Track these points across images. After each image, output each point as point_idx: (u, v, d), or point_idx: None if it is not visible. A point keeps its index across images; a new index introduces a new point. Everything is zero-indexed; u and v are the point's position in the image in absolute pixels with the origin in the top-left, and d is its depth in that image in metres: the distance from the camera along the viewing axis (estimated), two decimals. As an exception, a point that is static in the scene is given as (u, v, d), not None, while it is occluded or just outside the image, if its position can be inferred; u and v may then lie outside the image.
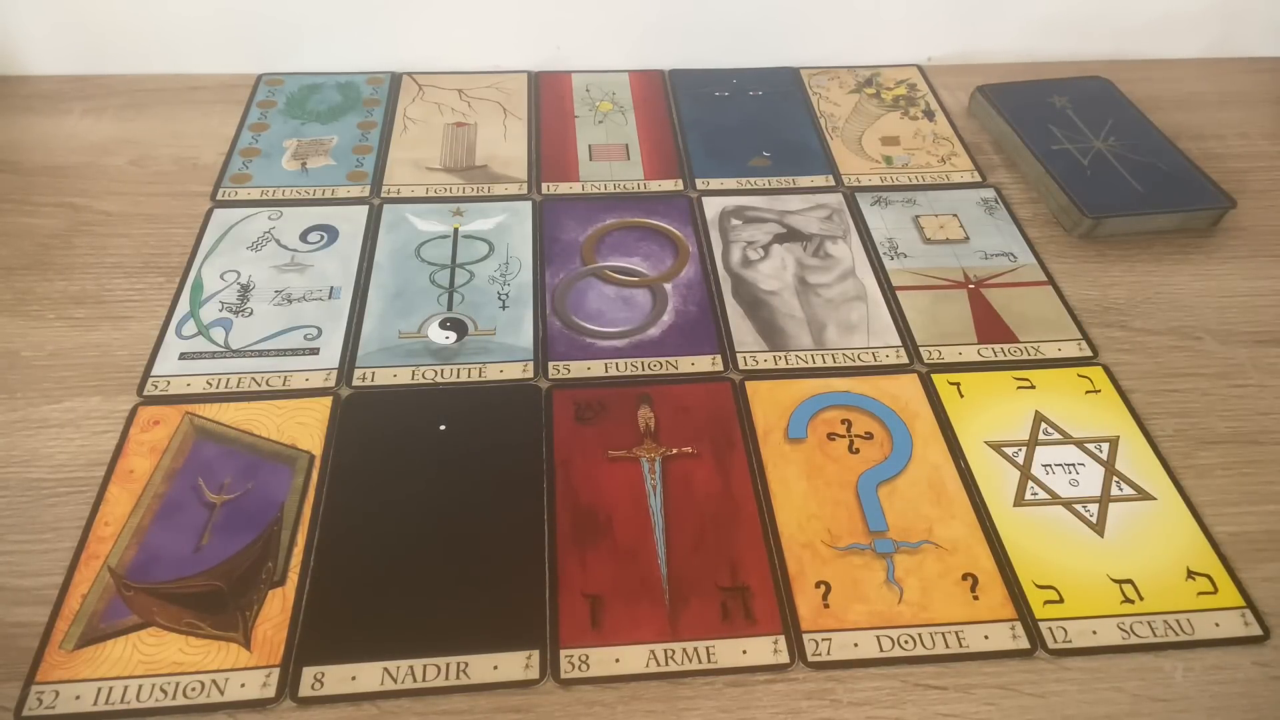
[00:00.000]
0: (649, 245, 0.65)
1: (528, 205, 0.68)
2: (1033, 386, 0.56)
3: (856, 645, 0.44)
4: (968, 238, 0.67)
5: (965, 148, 0.76)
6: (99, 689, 0.41)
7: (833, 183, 0.72)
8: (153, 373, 0.55)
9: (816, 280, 0.63)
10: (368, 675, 0.42)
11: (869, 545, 0.48)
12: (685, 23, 0.82)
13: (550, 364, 0.56)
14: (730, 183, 0.71)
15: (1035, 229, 0.68)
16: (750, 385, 0.55)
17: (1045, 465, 0.52)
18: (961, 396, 0.55)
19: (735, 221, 0.68)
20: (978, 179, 0.73)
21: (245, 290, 0.60)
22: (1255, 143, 0.77)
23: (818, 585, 0.46)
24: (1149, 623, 0.45)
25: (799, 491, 0.50)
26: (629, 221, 0.67)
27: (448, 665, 0.43)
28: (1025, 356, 0.58)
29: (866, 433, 0.53)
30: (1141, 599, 0.46)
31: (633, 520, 0.48)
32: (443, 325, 0.59)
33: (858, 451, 0.52)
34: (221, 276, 0.61)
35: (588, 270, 0.63)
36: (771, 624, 0.44)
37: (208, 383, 0.54)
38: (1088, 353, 0.58)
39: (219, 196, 0.68)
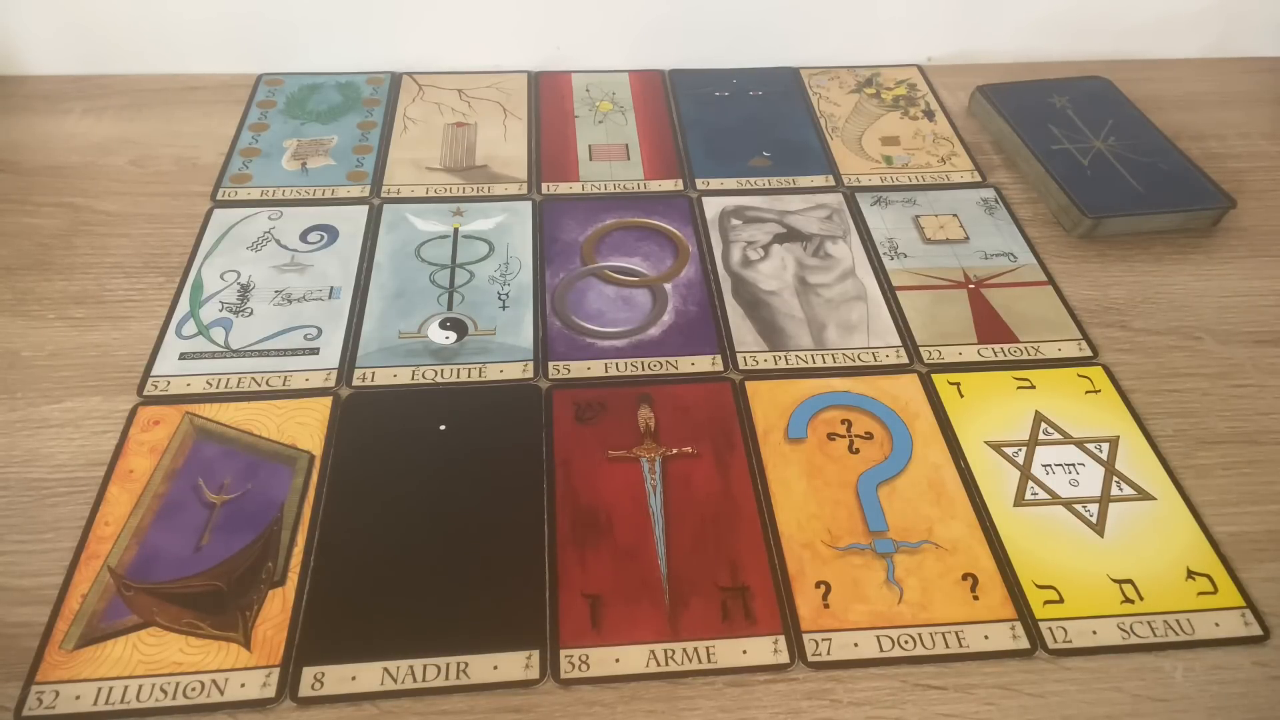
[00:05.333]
0: (649, 245, 0.65)
1: (528, 205, 0.68)
2: (1033, 386, 0.56)
3: (856, 645, 0.44)
4: (968, 238, 0.67)
5: (965, 148, 0.76)
6: (99, 689, 0.41)
7: (833, 183, 0.72)
8: (153, 373, 0.55)
9: (816, 280, 0.63)
10: (368, 675, 0.42)
11: (869, 545, 0.48)
12: (685, 23, 0.82)
13: (550, 364, 0.56)
14: (730, 183, 0.71)
15: (1035, 229, 0.68)
16: (750, 385, 0.55)
17: (1045, 465, 0.52)
18: (961, 396, 0.55)
19: (735, 221, 0.68)
20: (978, 179, 0.73)
21: (245, 290, 0.60)
22: (1255, 143, 0.77)
23: (818, 585, 0.46)
24: (1149, 623, 0.45)
25: (799, 491, 0.50)
26: (629, 221, 0.67)
27: (448, 665, 0.43)
28: (1025, 356, 0.58)
29: (866, 433, 0.53)
30: (1141, 599, 0.46)
31: (633, 520, 0.48)
32: (443, 325, 0.59)
33: (858, 451, 0.52)
34: (221, 276, 0.61)
35: (588, 270, 0.63)
36: (771, 624, 0.44)
37: (208, 383, 0.54)
38: (1088, 353, 0.58)
39: (219, 196, 0.68)
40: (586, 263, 0.64)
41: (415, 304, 0.60)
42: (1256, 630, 0.45)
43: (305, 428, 0.52)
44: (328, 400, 0.54)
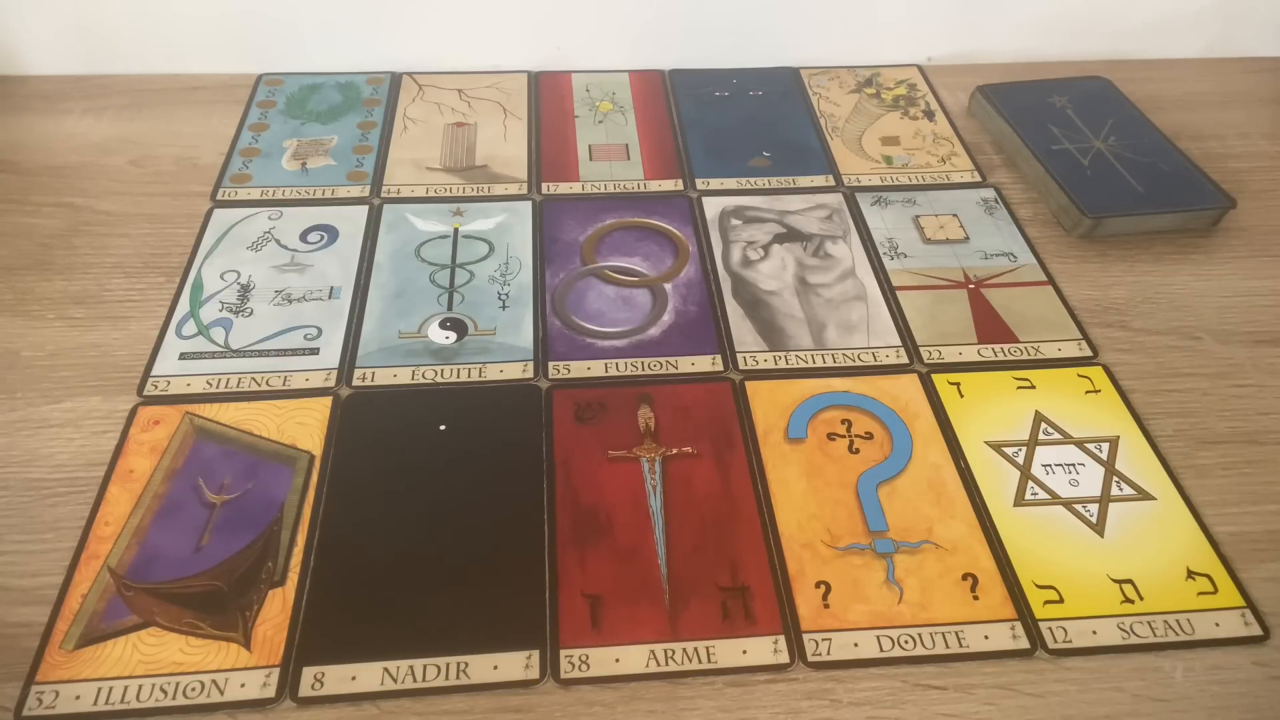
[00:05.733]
0: (649, 245, 0.65)
1: (528, 205, 0.68)
2: (1033, 386, 0.56)
3: (856, 645, 0.44)
4: (968, 238, 0.67)
5: (965, 148, 0.76)
6: (99, 689, 0.41)
7: (833, 183, 0.72)
8: (153, 373, 0.55)
9: (816, 280, 0.63)
10: (368, 675, 0.42)
11: (869, 545, 0.48)
12: (685, 23, 0.82)
13: (550, 364, 0.56)
14: (730, 183, 0.71)
15: (1035, 229, 0.68)
16: (750, 385, 0.55)
17: (1045, 465, 0.52)
18: (961, 396, 0.55)
19: (735, 221, 0.68)
20: (978, 179, 0.73)
21: (245, 290, 0.60)
22: (1255, 143, 0.77)
23: (818, 585, 0.46)
24: (1149, 623, 0.45)
25: (799, 491, 0.50)
26: (629, 221, 0.67)
27: (448, 665, 0.43)
28: (1025, 356, 0.58)
29: (866, 433, 0.53)
30: (1141, 599, 0.46)
31: (633, 520, 0.48)
32: (443, 325, 0.59)
33: (858, 451, 0.52)
34: (221, 276, 0.61)
35: (588, 270, 0.63)
36: (771, 624, 0.44)
37: (208, 383, 0.54)
38: (1088, 353, 0.58)
39: (219, 196, 0.68)
40: (586, 263, 0.64)
41: (415, 304, 0.60)
42: (1256, 630, 0.45)
43: (305, 428, 0.52)
44: (328, 400, 0.54)
